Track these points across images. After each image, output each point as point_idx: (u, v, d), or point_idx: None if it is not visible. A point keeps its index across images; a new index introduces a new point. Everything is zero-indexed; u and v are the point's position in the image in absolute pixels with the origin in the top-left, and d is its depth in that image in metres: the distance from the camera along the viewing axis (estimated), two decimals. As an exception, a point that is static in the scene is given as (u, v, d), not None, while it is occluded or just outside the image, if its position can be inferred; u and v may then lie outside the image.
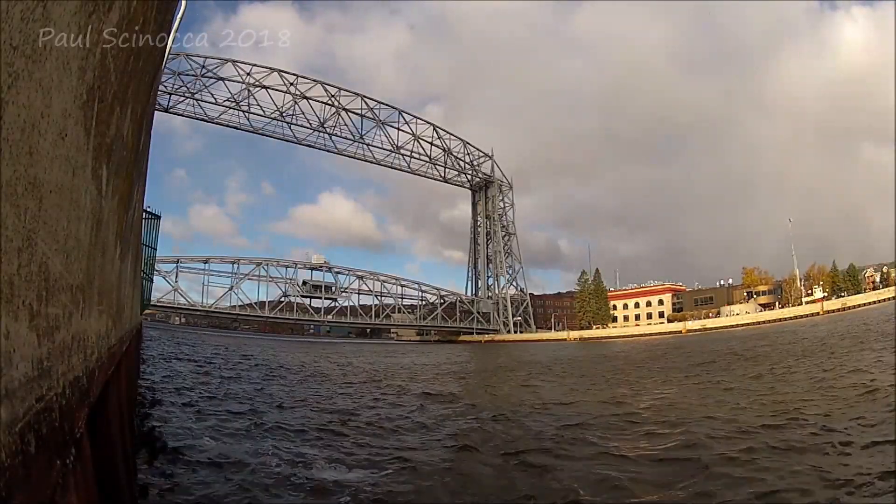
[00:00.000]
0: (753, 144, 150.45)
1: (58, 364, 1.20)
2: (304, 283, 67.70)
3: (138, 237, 7.68)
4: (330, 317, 69.50)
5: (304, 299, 67.75)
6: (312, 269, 68.84)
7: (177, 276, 59.41)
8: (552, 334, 72.99)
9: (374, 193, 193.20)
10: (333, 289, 69.31)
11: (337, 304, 70.15)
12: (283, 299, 66.20)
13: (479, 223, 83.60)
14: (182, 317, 72.44)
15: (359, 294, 71.69)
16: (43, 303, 1.07)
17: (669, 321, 70.67)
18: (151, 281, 22.30)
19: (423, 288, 76.08)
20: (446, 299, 76.43)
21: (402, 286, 74.52)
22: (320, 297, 68.27)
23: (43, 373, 1.05)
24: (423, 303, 75.63)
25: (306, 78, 68.12)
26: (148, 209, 13.60)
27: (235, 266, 63.89)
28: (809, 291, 63.23)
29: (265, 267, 65.33)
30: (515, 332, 76.49)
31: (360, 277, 71.68)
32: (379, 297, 72.46)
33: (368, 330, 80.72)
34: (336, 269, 70.26)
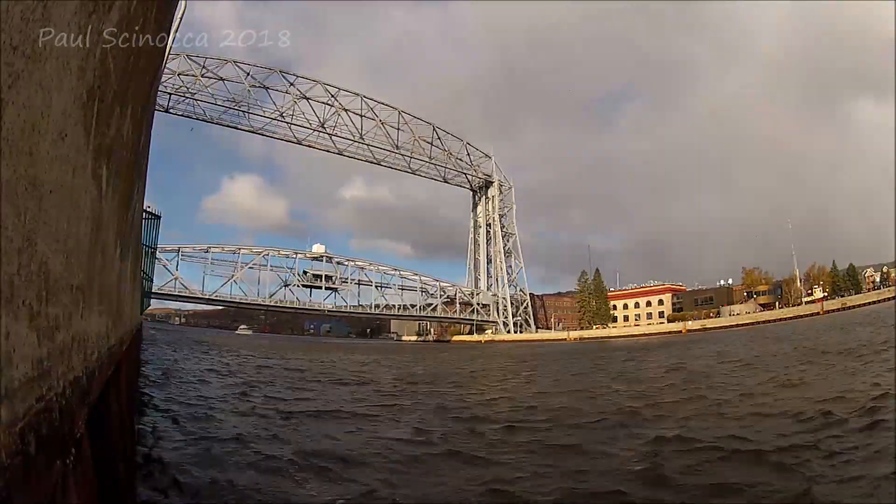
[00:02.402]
0: (718, 105, 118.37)
1: (58, 364, 1.20)
2: (305, 272, 67.60)
3: (138, 237, 7.68)
4: (330, 306, 69.25)
5: (304, 289, 67.56)
6: (313, 258, 68.71)
7: (178, 264, 59.07)
8: (552, 334, 73.03)
9: (284, 177, 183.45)
10: (334, 278, 69.23)
11: (338, 294, 69.98)
12: (282, 288, 66.09)
13: (478, 223, 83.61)
14: (182, 317, 72.34)
15: (359, 285, 71.64)
16: (43, 303, 1.07)
17: (669, 321, 70.64)
18: (151, 281, 22.31)
19: (423, 279, 76.04)
20: (446, 290, 76.43)
21: (402, 277, 74.45)
22: (320, 287, 68.02)
23: (43, 373, 1.05)
24: (423, 293, 75.49)
25: (306, 78, 68.12)
26: (148, 209, 13.61)
27: (236, 255, 63.64)
28: (809, 291, 63.23)
29: (265, 257, 65.18)
30: (516, 331, 76.50)
31: (361, 268, 71.61)
32: (379, 288, 72.46)
33: (368, 330, 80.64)
34: (336, 259, 70.17)
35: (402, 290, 73.82)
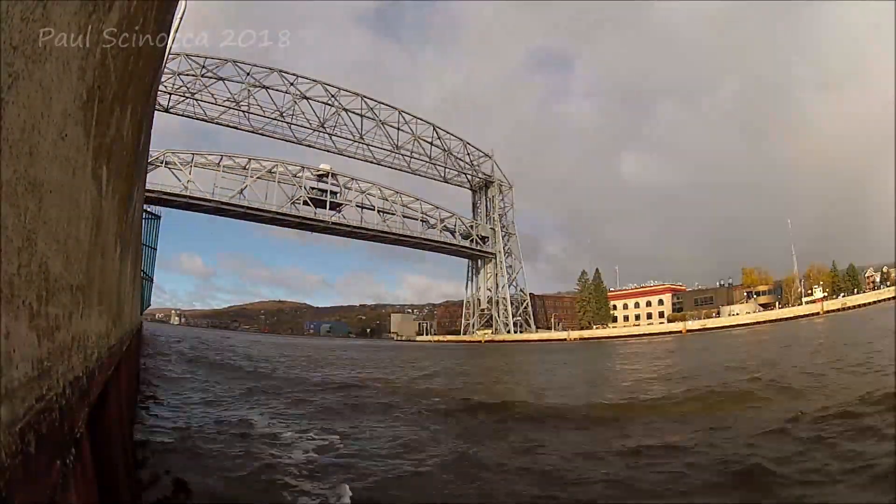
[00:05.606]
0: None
1: (58, 364, 1.20)
2: (311, 188, 67.90)
3: (138, 237, 7.68)
4: (334, 218, 69.44)
5: (310, 206, 67.62)
6: (319, 176, 68.89)
7: (191, 171, 59.34)
8: (552, 334, 73.02)
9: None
10: (339, 195, 69.57)
11: (341, 214, 70.07)
12: (289, 203, 66.04)
13: (478, 223, 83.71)
14: (182, 317, 72.37)
15: (361, 208, 71.77)
16: (43, 303, 1.07)
17: (669, 321, 70.62)
18: (151, 281, 22.33)
19: (424, 206, 76.07)
20: (445, 221, 76.87)
21: (404, 206, 74.39)
22: (324, 204, 68.04)
23: (43, 373, 1.05)
24: (423, 223, 75.80)
25: (306, 78, 68.09)
26: (148, 209, 13.62)
27: (246, 167, 63.65)
28: (809, 291, 63.18)
29: (273, 171, 65.30)
30: (515, 332, 76.50)
31: (363, 192, 71.71)
32: (381, 213, 72.57)
33: (368, 330, 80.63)
34: (342, 178, 70.41)
35: (405, 218, 74.24)
